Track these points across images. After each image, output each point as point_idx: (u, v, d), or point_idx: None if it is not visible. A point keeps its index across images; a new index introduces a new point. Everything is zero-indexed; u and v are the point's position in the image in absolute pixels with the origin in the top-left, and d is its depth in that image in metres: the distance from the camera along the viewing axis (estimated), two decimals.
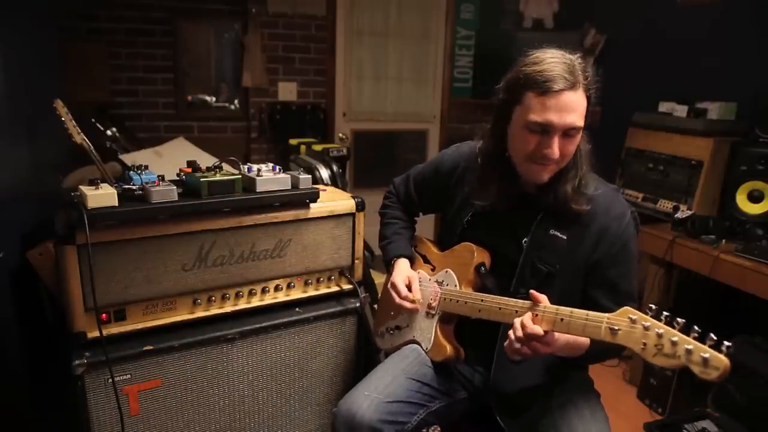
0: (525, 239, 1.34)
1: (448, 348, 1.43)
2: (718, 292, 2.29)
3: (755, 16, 2.64)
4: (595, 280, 1.32)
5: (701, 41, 2.90)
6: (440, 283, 1.49)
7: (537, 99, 1.19)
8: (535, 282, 1.31)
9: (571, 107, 1.19)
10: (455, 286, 1.44)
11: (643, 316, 1.00)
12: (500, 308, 1.27)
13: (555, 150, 1.21)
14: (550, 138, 1.20)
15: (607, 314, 1.07)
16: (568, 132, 1.21)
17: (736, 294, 2.14)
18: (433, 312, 1.48)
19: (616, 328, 1.03)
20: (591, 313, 1.10)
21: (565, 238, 1.30)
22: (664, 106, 2.84)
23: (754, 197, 2.32)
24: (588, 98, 1.23)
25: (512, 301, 1.26)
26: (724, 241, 2.26)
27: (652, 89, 3.10)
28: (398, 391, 1.37)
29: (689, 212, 2.49)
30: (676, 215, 2.50)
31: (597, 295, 1.31)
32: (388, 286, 1.55)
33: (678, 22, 3.06)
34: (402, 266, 1.57)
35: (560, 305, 1.18)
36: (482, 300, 1.33)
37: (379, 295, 1.76)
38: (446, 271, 1.49)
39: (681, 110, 2.72)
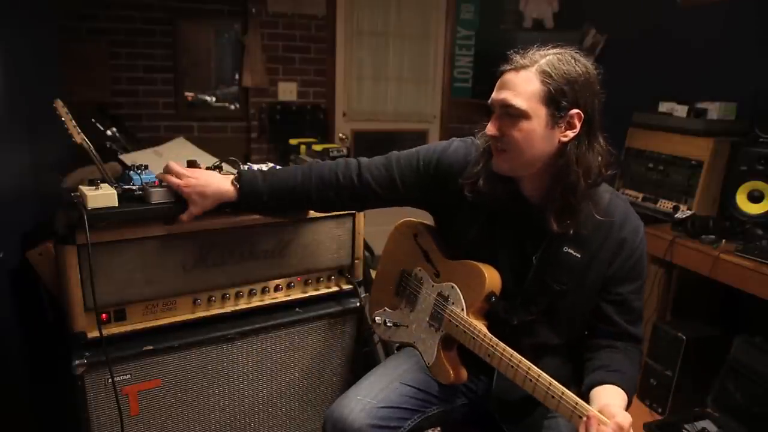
0: (535, 256, 1.29)
1: (451, 374, 1.36)
2: (718, 292, 2.29)
3: (755, 17, 2.64)
4: (608, 296, 1.29)
5: (701, 41, 2.90)
6: (445, 298, 1.38)
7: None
8: (546, 300, 1.28)
9: (508, 86, 1.18)
10: (462, 309, 1.33)
11: None
12: (512, 366, 1.19)
13: (488, 127, 1.20)
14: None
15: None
16: (504, 110, 1.18)
17: (736, 294, 2.14)
18: (437, 327, 1.40)
19: None
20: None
21: (579, 256, 1.25)
22: (664, 106, 2.84)
23: (754, 197, 2.32)
24: (551, 91, 1.14)
25: (525, 362, 1.18)
26: (724, 241, 2.26)
27: (652, 89, 3.09)
28: (392, 396, 1.35)
29: (689, 212, 2.49)
30: (676, 215, 2.50)
31: (608, 310, 1.29)
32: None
33: (678, 22, 3.05)
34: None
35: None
36: (493, 346, 1.24)
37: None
38: (452, 286, 1.38)
39: (681, 110, 2.71)
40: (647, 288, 2.53)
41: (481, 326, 1.29)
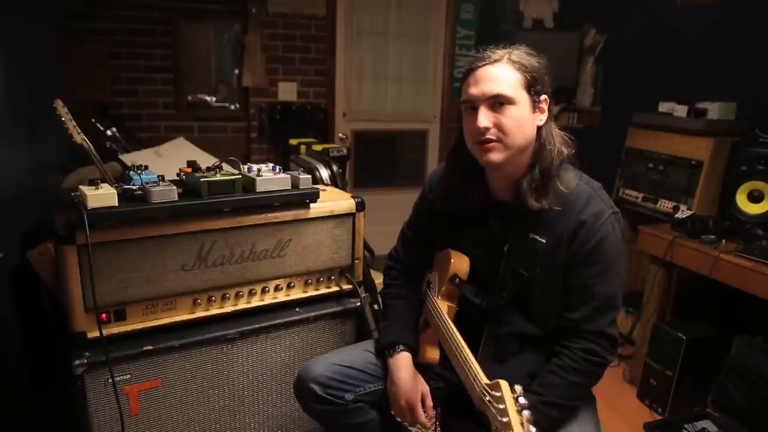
0: (505, 247, 1.32)
1: (419, 355, 1.42)
2: (719, 292, 2.29)
3: (755, 16, 2.64)
4: (569, 283, 1.27)
5: (701, 41, 2.90)
6: (429, 285, 1.48)
7: (467, 82, 1.28)
8: (517, 287, 1.30)
9: (490, 78, 1.23)
10: (435, 293, 1.43)
11: (508, 395, 0.98)
12: (452, 348, 1.27)
13: (480, 120, 1.23)
14: (477, 112, 1.25)
15: (486, 381, 1.08)
16: (493, 101, 1.23)
17: (737, 294, 2.14)
18: (420, 311, 1.50)
19: (487, 399, 1.03)
20: (480, 374, 1.12)
21: (545, 241, 1.27)
22: (664, 106, 2.84)
23: (754, 197, 2.31)
24: (528, 78, 1.23)
25: (459, 343, 1.24)
26: (724, 241, 2.26)
27: (652, 89, 3.09)
28: (355, 360, 1.42)
29: (689, 212, 2.49)
30: (676, 215, 2.49)
31: (570, 300, 1.27)
32: (398, 401, 1.37)
33: (678, 22, 3.05)
34: (404, 370, 1.38)
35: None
36: (443, 329, 1.33)
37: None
38: (434, 274, 1.47)
39: (681, 110, 2.71)
40: (647, 288, 2.54)
41: (443, 305, 1.39)
